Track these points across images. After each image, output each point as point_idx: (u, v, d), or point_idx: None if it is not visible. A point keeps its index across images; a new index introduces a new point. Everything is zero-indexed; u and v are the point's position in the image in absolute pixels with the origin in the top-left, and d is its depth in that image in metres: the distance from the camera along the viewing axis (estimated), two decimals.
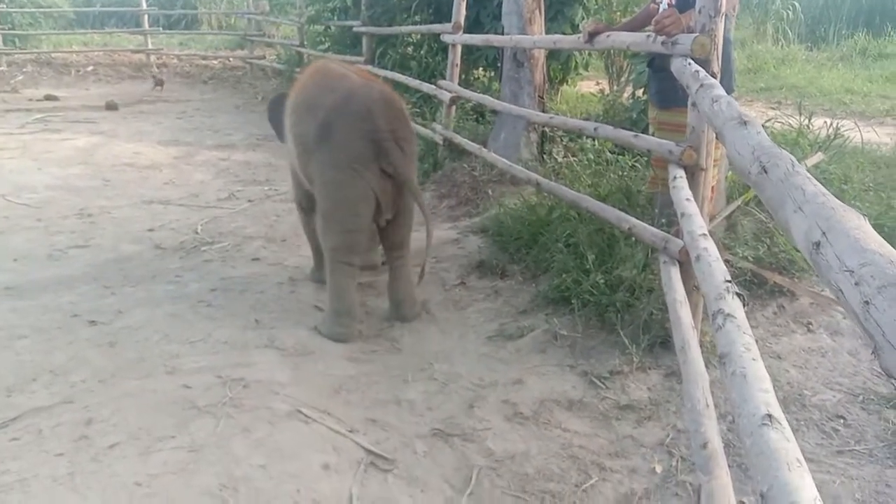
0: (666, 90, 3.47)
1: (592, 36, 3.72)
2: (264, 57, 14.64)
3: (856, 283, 0.91)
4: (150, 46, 15.44)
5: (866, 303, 0.87)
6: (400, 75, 7.84)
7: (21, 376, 3.09)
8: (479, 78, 8.98)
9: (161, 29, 17.07)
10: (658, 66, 3.56)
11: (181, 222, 5.46)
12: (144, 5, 15.50)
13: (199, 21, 19.57)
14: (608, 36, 3.68)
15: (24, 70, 13.82)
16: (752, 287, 3.58)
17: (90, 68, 14.43)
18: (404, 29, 8.40)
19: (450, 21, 6.45)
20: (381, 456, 2.61)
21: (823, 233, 1.05)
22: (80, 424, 2.72)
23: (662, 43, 3.04)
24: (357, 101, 3.55)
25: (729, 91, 3.41)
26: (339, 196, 3.54)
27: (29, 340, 3.44)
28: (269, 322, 3.69)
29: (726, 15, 3.34)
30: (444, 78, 6.72)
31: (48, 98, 11.51)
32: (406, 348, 3.53)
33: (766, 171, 1.39)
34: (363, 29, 9.07)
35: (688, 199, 2.68)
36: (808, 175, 1.27)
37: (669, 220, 3.32)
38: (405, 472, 2.54)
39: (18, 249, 4.75)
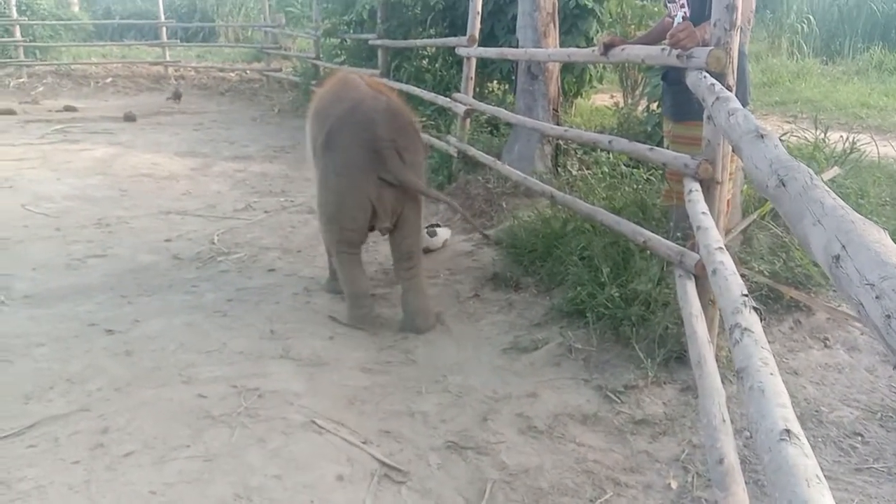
0: (681, 103, 3.47)
1: (607, 48, 3.73)
2: (281, 69, 14.77)
3: (877, 297, 0.90)
4: (168, 58, 15.63)
5: (888, 317, 0.86)
6: (415, 88, 7.88)
7: (38, 384, 3.11)
8: (493, 91, 9.01)
9: (179, 41, 17.30)
10: (673, 78, 3.56)
11: (198, 233, 5.50)
12: (163, 18, 15.73)
13: (217, 34, 19.79)
14: (623, 49, 3.69)
15: (44, 81, 14.03)
16: (769, 302, 3.56)
17: (109, 80, 14.61)
18: (419, 42, 8.45)
19: (464, 34, 6.48)
20: (395, 468, 2.60)
21: (843, 246, 1.04)
22: (96, 433, 2.74)
23: (678, 56, 3.04)
24: (361, 111, 3.70)
25: (744, 104, 3.40)
26: (337, 201, 3.74)
27: (46, 349, 3.47)
28: (284, 332, 3.70)
29: (741, 28, 3.34)
30: (458, 91, 6.74)
31: (67, 109, 11.66)
32: (420, 360, 3.52)
33: (784, 185, 1.38)
34: (378, 42, 9.13)
35: (703, 213, 2.67)
36: (827, 188, 1.27)
37: (685, 233, 3.30)
38: (419, 485, 2.53)
39: (37, 258, 4.80)
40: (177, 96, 12.88)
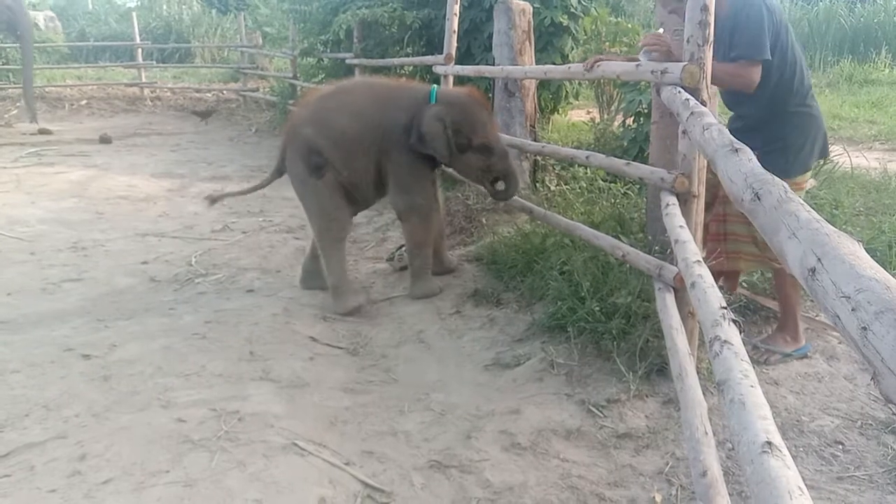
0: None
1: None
2: (258, 89, 14.74)
3: (853, 309, 0.91)
4: (143, 80, 15.54)
5: (864, 328, 0.87)
6: None
7: (13, 411, 3.06)
8: None
9: (155, 62, 17.21)
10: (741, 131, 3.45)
11: (175, 255, 5.45)
12: (138, 39, 15.63)
13: (193, 54, 19.73)
14: (598, 65, 3.72)
15: (18, 104, 13.84)
16: (748, 313, 3.59)
17: (84, 102, 14.50)
18: (396, 61, 8.48)
19: (441, 53, 6.51)
20: (378, 489, 2.58)
21: (818, 259, 1.05)
22: (73, 460, 2.69)
23: (652, 72, 3.07)
24: None
25: (789, 173, 3.11)
26: None
27: (22, 375, 3.41)
28: (263, 354, 3.66)
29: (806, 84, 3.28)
30: None
31: (42, 132, 11.53)
32: (402, 378, 3.51)
33: (759, 198, 1.40)
34: (356, 61, 9.15)
35: (681, 226, 2.69)
36: (802, 202, 1.28)
37: (663, 246, 3.33)
38: None
39: (11, 283, 4.73)
40: (206, 115, 12.64)
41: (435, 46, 7.84)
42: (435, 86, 4.65)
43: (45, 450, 2.76)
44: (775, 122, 3.22)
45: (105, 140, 10.81)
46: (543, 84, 7.72)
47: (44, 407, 3.10)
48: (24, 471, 2.63)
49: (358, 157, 4.31)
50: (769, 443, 1.18)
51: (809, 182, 4.58)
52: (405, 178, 4.42)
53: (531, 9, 6.14)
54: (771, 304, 3.61)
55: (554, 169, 6.15)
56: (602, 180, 5.34)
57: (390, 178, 4.42)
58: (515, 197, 5.10)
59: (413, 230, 4.50)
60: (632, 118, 6.29)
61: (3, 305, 4.34)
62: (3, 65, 14.91)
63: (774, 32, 3.12)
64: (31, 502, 2.44)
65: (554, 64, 6.98)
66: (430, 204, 4.53)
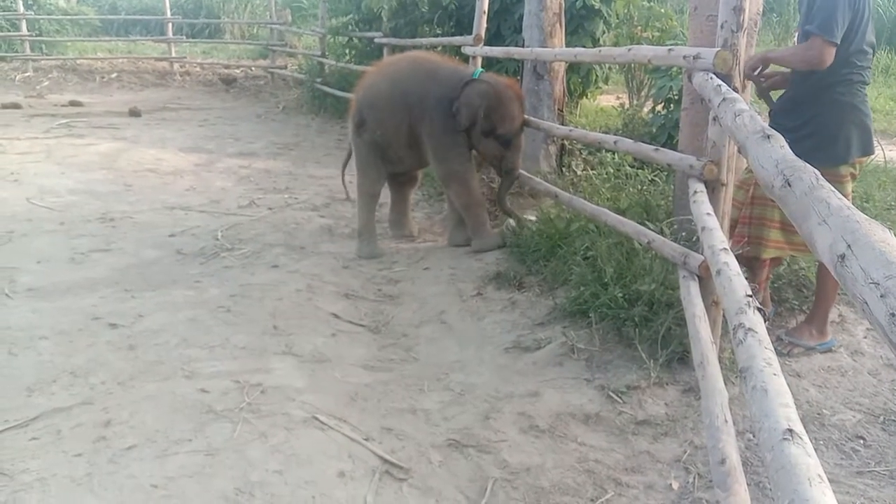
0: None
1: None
2: (286, 67, 14.77)
3: (882, 296, 0.90)
4: (173, 55, 15.63)
5: (892, 315, 0.86)
6: None
7: (41, 377, 3.12)
8: None
9: (184, 38, 17.31)
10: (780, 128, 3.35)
11: (202, 228, 5.50)
12: (168, 14, 15.72)
13: (222, 30, 19.82)
14: (629, 49, 3.69)
15: (50, 76, 14.04)
16: (772, 304, 3.55)
17: (114, 75, 14.63)
18: (426, 41, 8.44)
19: (471, 33, 6.47)
20: (397, 465, 2.60)
21: (849, 245, 1.04)
22: (98, 426, 2.74)
23: (684, 57, 3.03)
24: None
25: (824, 161, 2.96)
26: None
27: (50, 342, 3.48)
28: (286, 329, 3.70)
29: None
30: None
31: (73, 104, 11.66)
32: (422, 358, 3.53)
33: (789, 185, 1.38)
34: (385, 41, 9.13)
35: (708, 214, 2.67)
36: (833, 189, 1.27)
37: (689, 235, 3.30)
38: (420, 482, 2.54)
39: (41, 252, 4.81)
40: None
41: (465, 27, 7.80)
42: (480, 69, 4.80)
43: (72, 415, 2.82)
44: (816, 105, 3.17)
45: (134, 113, 10.91)
46: (573, 67, 7.66)
47: (71, 373, 3.17)
48: (51, 435, 2.69)
49: (389, 118, 4.82)
50: (790, 430, 1.18)
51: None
52: (440, 147, 4.80)
53: None
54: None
55: (581, 153, 6.11)
56: (629, 166, 5.31)
57: (427, 146, 4.81)
58: (539, 180, 5.09)
59: (457, 194, 4.93)
60: (662, 104, 6.22)
61: (32, 273, 4.43)
62: (36, 36, 15.07)
63: (850, 21, 3.05)
64: (58, 465, 2.50)
65: (584, 47, 6.91)
66: (467, 169, 4.90)
